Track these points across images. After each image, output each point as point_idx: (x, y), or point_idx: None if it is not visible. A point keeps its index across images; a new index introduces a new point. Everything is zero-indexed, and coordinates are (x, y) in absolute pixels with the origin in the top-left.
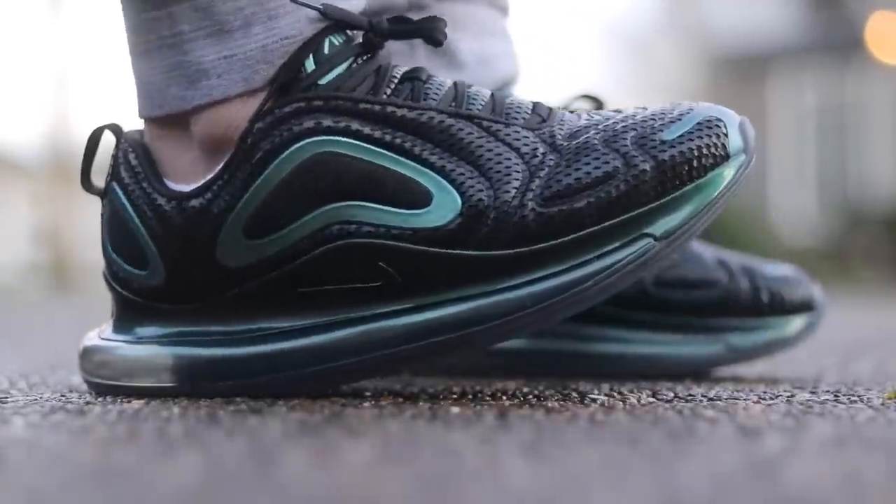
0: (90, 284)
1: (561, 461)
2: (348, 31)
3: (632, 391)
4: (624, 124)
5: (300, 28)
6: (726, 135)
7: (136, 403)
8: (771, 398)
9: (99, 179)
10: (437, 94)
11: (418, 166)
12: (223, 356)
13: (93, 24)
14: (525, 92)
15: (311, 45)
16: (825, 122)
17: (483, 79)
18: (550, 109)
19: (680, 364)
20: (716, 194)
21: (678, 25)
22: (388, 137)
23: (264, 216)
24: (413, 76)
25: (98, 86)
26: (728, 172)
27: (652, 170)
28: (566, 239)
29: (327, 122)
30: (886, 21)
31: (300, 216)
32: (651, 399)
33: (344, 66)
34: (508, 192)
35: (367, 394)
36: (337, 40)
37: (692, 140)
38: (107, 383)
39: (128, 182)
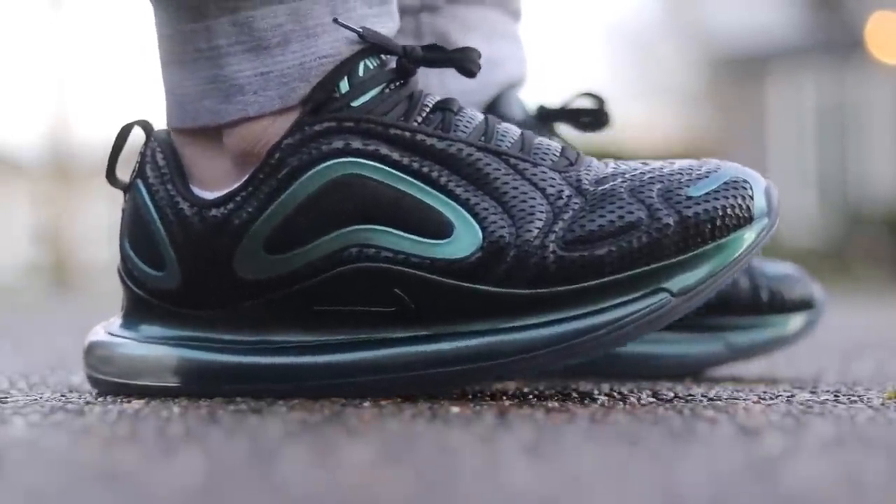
0: (90, 284)
1: (561, 461)
2: (382, 56)
3: (632, 391)
4: (651, 176)
5: (338, 48)
6: (752, 197)
7: (137, 403)
8: (771, 398)
9: (123, 174)
10: (467, 126)
11: (443, 197)
12: (230, 363)
13: (93, 24)
14: (528, 92)
15: (347, 66)
16: (825, 122)
17: (490, 80)
18: (578, 154)
19: (680, 363)
20: (736, 256)
21: (679, 26)
22: (415, 165)
23: (285, 232)
24: (445, 106)
25: (98, 86)
26: (750, 235)
27: (675, 224)
28: (584, 285)
29: (356, 144)
30: (886, 21)
31: (321, 235)
32: (651, 399)
33: (377, 90)
34: (531, 231)
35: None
36: (371, 64)
37: (718, 199)
38: (109, 380)
39: (153, 182)
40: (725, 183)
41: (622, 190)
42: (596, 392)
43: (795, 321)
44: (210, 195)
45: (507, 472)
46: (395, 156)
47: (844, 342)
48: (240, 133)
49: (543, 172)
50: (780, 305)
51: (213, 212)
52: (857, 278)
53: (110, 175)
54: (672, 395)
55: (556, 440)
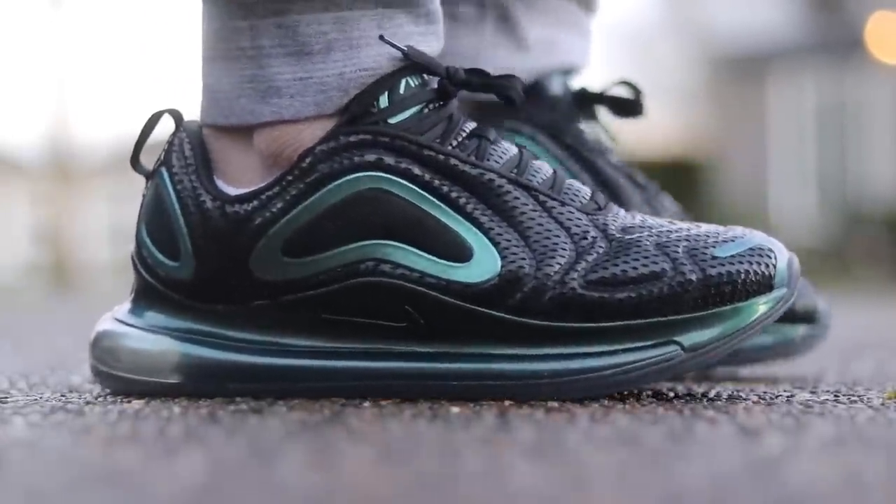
0: (90, 284)
1: (561, 461)
2: (424, 76)
3: (632, 391)
4: (678, 234)
5: (380, 62)
6: (775, 266)
7: (137, 403)
8: (771, 398)
9: (148, 163)
10: (501, 157)
11: (466, 223)
12: (232, 362)
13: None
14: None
15: (388, 82)
16: (825, 122)
17: (544, 63)
18: (608, 202)
19: None
20: (751, 321)
21: (679, 25)
22: (444, 188)
23: (306, 236)
24: (481, 134)
25: (98, 86)
26: (766, 303)
27: (698, 281)
28: (598, 325)
29: (389, 160)
30: (886, 21)
31: (340, 244)
32: (651, 399)
33: (416, 108)
34: (552, 266)
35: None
36: (413, 82)
37: (742, 263)
38: (113, 374)
39: (177, 171)
40: (751, 249)
41: (648, 242)
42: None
43: (798, 331)
44: (234, 191)
45: (508, 473)
46: (426, 177)
47: (844, 342)
48: (271, 135)
49: (571, 213)
50: (784, 315)
51: (236, 208)
52: (856, 278)
53: (135, 161)
54: (672, 395)
55: (556, 440)
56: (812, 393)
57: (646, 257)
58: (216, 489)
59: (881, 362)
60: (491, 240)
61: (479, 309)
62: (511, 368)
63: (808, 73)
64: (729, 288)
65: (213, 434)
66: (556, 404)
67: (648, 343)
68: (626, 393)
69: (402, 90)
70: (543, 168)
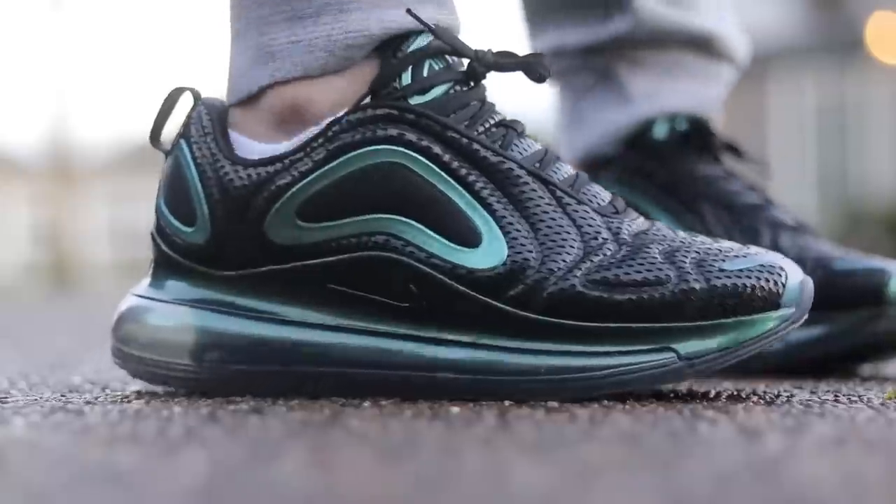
0: (90, 284)
1: (561, 461)
2: (448, 58)
3: (632, 391)
4: (688, 247)
5: (367, 25)
6: (784, 284)
7: (137, 403)
8: (771, 398)
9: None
10: (525, 150)
11: (480, 208)
12: (243, 335)
13: (93, 25)
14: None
15: (410, 59)
16: (825, 122)
17: (646, 111)
18: (627, 207)
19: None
20: (751, 336)
21: None
22: (462, 171)
23: (322, 202)
24: (510, 125)
25: (98, 86)
26: (772, 321)
27: (701, 290)
28: (595, 325)
29: (411, 137)
30: (886, 21)
31: (354, 214)
32: (651, 399)
33: (443, 87)
34: (556, 262)
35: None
36: (437, 65)
37: (749, 277)
38: (132, 354)
39: (195, 140)
40: (761, 265)
41: (658, 250)
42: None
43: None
44: (251, 150)
45: (507, 472)
46: (446, 157)
47: None
48: (273, 99)
49: (586, 212)
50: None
51: (255, 171)
52: None
53: (155, 138)
54: (672, 395)
55: (556, 440)
56: (812, 393)
57: (652, 263)
58: (216, 489)
59: (881, 362)
60: (501, 228)
61: (481, 297)
62: (509, 361)
63: (808, 73)
64: (733, 301)
65: (213, 434)
66: (555, 404)
67: (644, 348)
68: (626, 392)
69: (425, 72)
70: (566, 168)
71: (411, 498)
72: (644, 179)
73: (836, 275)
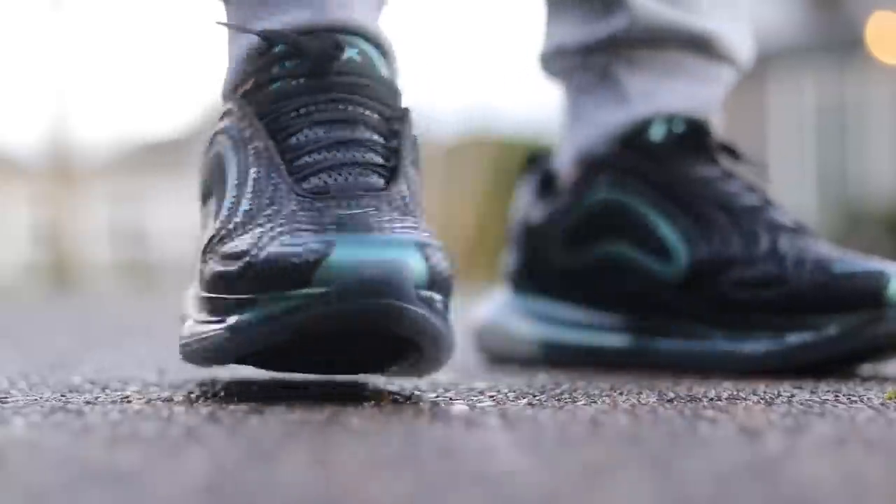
0: (90, 284)
1: (561, 461)
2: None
3: (632, 391)
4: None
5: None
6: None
7: (137, 403)
8: (771, 398)
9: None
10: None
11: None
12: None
13: (94, 25)
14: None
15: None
16: (825, 122)
17: (642, 111)
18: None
19: (741, 361)
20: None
21: None
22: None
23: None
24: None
25: (98, 87)
26: None
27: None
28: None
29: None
30: (886, 21)
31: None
32: (652, 399)
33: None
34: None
35: (367, 394)
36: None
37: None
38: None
39: None
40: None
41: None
42: (596, 392)
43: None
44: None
45: (508, 473)
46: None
47: None
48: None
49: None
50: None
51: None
52: None
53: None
54: (673, 395)
55: (556, 440)
56: (812, 393)
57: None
58: (217, 489)
59: (881, 362)
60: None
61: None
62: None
63: (808, 73)
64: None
65: (214, 434)
66: (556, 404)
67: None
68: (626, 392)
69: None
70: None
71: (411, 498)
72: (640, 180)
73: (835, 277)
